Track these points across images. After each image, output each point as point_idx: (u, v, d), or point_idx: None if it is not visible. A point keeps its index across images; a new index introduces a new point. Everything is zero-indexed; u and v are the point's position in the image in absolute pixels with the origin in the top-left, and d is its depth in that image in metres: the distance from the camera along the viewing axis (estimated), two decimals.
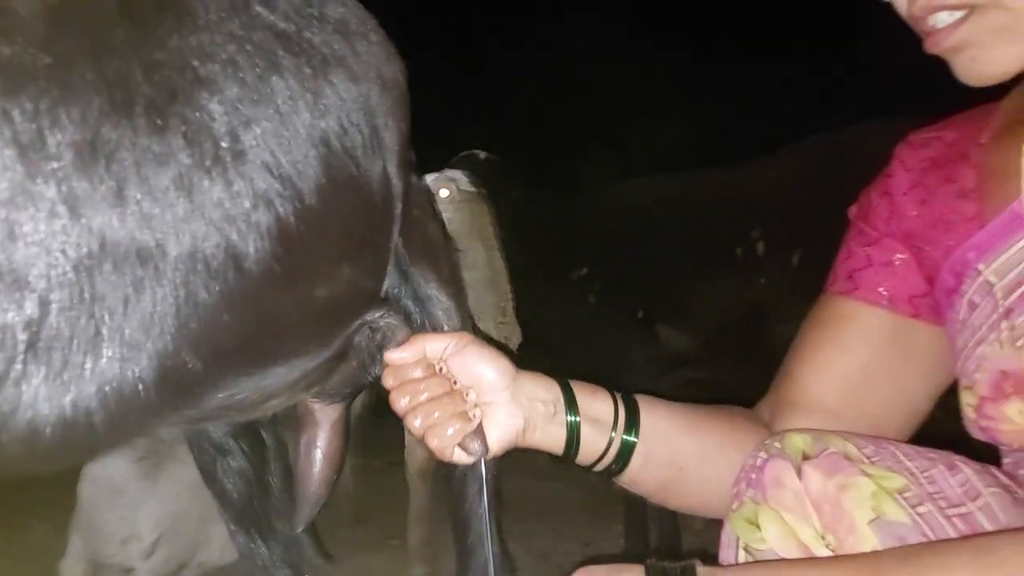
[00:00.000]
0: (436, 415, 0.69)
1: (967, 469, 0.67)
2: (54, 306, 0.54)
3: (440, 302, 0.89)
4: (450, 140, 2.32)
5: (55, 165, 0.54)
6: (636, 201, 2.12)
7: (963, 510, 0.63)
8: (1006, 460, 0.72)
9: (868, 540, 0.60)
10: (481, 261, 1.76)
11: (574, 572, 0.60)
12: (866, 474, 0.63)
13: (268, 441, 1.15)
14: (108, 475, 1.71)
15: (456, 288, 0.95)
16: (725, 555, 0.68)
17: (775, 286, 1.80)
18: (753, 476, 0.67)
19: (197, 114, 0.61)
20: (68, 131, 0.54)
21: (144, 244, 0.58)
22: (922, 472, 0.65)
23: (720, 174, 2.07)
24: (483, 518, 0.77)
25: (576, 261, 2.09)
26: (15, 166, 0.52)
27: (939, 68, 0.64)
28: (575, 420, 0.72)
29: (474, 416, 0.70)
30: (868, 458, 0.65)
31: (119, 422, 0.59)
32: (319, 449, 0.86)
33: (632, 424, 0.73)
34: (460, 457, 0.71)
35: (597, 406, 0.74)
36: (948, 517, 0.62)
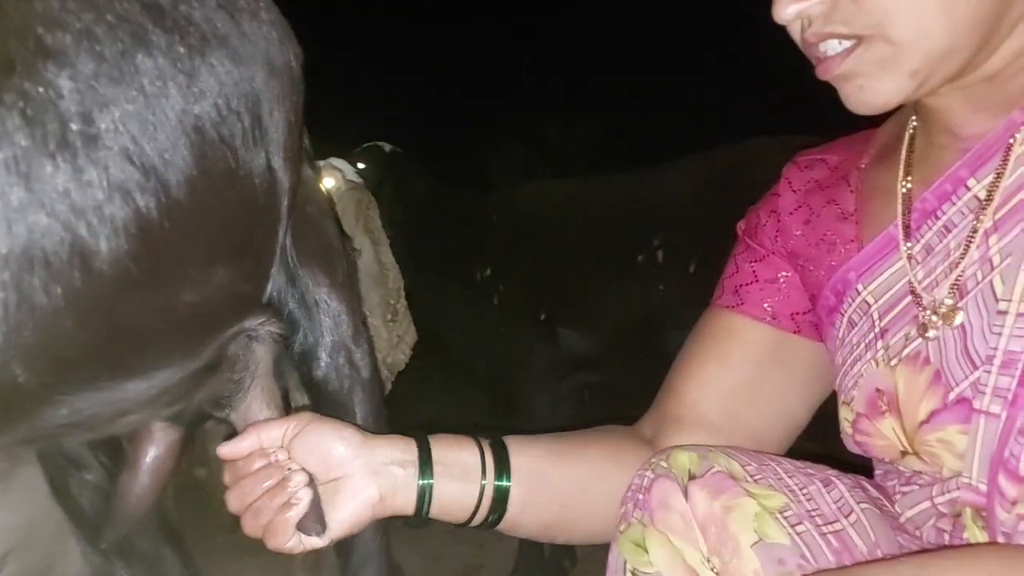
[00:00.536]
0: (269, 508, 0.65)
1: (841, 484, 0.69)
2: None
3: (329, 308, 0.83)
4: (354, 132, 2.23)
5: None
6: (543, 203, 2.12)
7: (837, 527, 0.65)
8: (877, 472, 0.76)
9: (751, 563, 0.61)
10: (368, 255, 1.69)
11: None
12: (749, 494, 0.64)
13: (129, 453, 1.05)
14: None
15: (349, 293, 0.89)
16: None
17: (673, 293, 1.84)
18: (640, 497, 0.66)
19: (40, 89, 0.53)
20: None
21: None
22: (800, 489, 0.67)
23: (626, 179, 2.10)
24: (368, 550, 0.72)
25: (480, 260, 2.06)
26: None
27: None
28: (427, 483, 0.69)
29: (299, 500, 0.65)
30: (751, 476, 0.66)
31: None
32: (146, 469, 0.78)
33: (502, 469, 0.71)
34: (308, 542, 0.67)
35: (463, 458, 0.70)
36: (824, 534, 0.64)
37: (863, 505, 0.68)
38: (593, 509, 0.74)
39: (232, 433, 0.72)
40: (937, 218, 0.66)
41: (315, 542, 0.67)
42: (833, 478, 0.70)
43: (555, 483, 0.73)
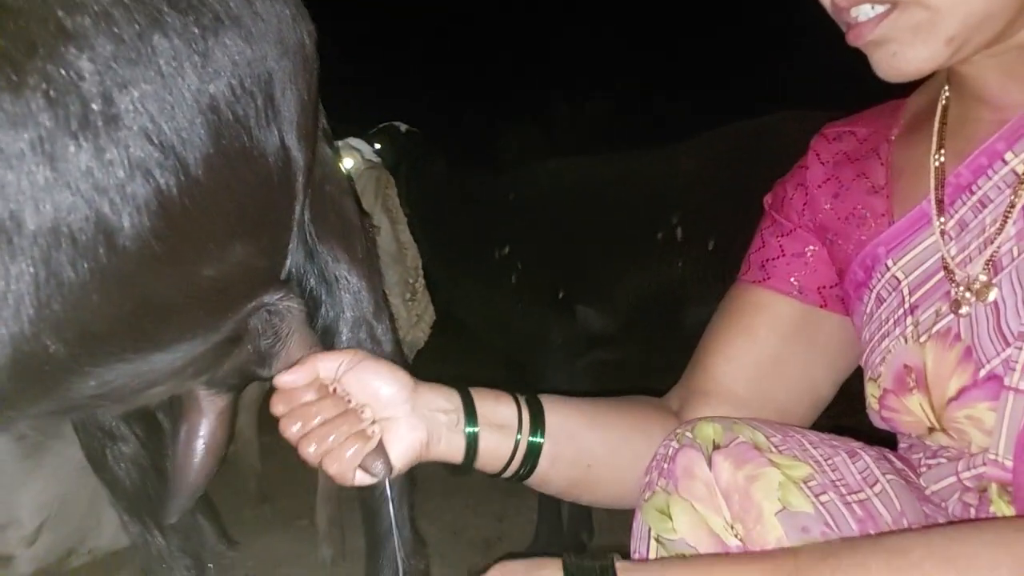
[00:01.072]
0: (332, 439, 0.65)
1: (866, 456, 0.69)
2: None
3: (349, 284, 0.85)
4: (369, 112, 2.24)
5: None
6: (560, 181, 2.11)
7: (862, 496, 0.65)
8: (902, 445, 0.76)
9: (774, 530, 0.62)
10: (387, 234, 1.71)
11: (493, 568, 0.58)
12: (774, 464, 0.64)
13: (165, 425, 1.08)
14: None
15: (369, 269, 0.91)
16: (636, 545, 0.68)
17: (692, 270, 1.83)
18: (665, 466, 0.67)
19: (62, 71, 0.55)
20: None
21: None
22: (825, 460, 0.67)
23: (644, 156, 2.08)
24: (391, 521, 0.73)
25: (498, 239, 2.07)
26: None
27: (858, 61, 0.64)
28: (473, 431, 0.70)
29: (372, 434, 0.66)
30: (776, 447, 0.66)
31: None
32: (201, 439, 0.80)
33: (537, 425, 0.72)
34: (362, 479, 0.67)
35: (501, 411, 0.72)
36: (848, 504, 0.64)
37: (888, 476, 0.68)
38: (617, 473, 0.75)
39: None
40: (972, 193, 0.65)
41: (371, 480, 0.67)
42: (858, 449, 0.69)
43: (585, 444, 0.74)
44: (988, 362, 0.62)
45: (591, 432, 0.74)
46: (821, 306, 0.77)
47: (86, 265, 0.56)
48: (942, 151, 0.68)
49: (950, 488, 0.68)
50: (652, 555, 0.66)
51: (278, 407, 0.67)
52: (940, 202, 0.67)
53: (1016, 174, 0.62)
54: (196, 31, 0.63)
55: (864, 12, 0.60)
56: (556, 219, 2.00)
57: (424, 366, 2.00)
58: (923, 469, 0.71)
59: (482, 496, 2.30)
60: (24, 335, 0.54)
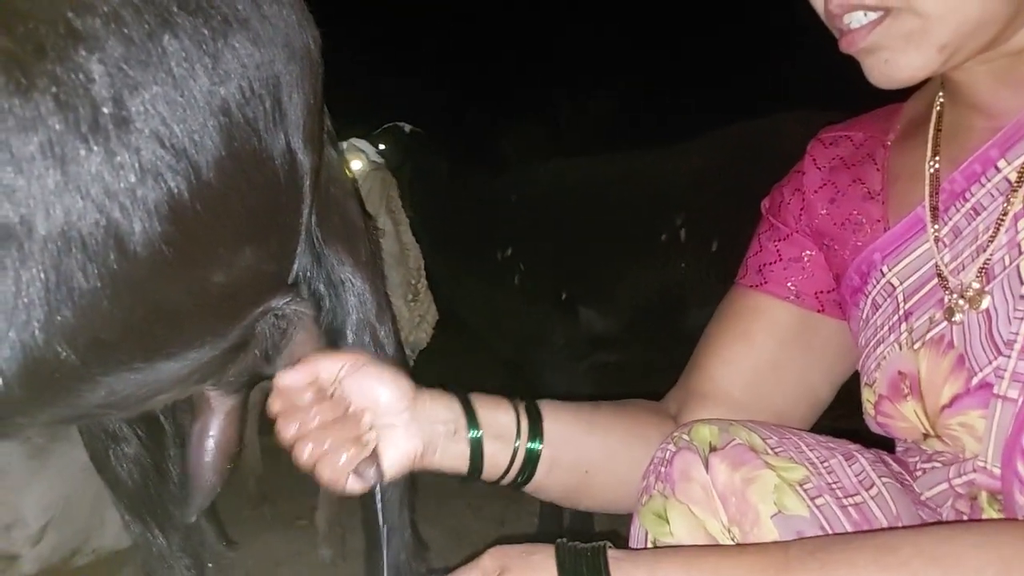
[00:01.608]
0: (327, 443, 0.64)
1: (863, 459, 0.69)
2: None
3: (354, 286, 0.85)
4: (375, 112, 2.23)
5: None
6: (562, 182, 2.11)
7: (857, 499, 0.65)
8: (899, 448, 0.76)
9: (770, 533, 0.62)
10: (389, 235, 1.71)
11: (487, 552, 0.58)
12: (770, 466, 0.64)
13: (166, 426, 1.08)
14: None
15: (372, 272, 0.90)
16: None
17: (695, 271, 1.83)
18: (662, 469, 0.67)
19: (72, 74, 0.54)
20: None
21: (4, 220, 0.51)
22: (822, 462, 0.67)
23: (647, 156, 2.08)
24: (383, 525, 0.73)
25: (500, 240, 2.06)
26: None
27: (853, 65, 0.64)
28: (478, 436, 0.69)
29: (368, 441, 0.65)
30: (772, 449, 0.66)
31: None
32: (212, 438, 0.80)
33: (536, 432, 0.71)
34: (355, 485, 0.66)
35: (500, 418, 0.71)
36: (844, 507, 0.64)
37: (885, 479, 0.68)
38: (615, 478, 0.75)
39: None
40: (966, 200, 0.65)
41: (362, 485, 0.66)
42: (855, 452, 0.69)
43: (583, 450, 0.73)
44: (980, 370, 0.62)
45: (589, 437, 0.74)
46: (818, 311, 0.77)
47: (97, 271, 0.56)
48: (937, 157, 0.68)
49: (943, 495, 0.68)
50: None
51: (275, 406, 0.66)
52: (935, 209, 0.67)
53: (1009, 182, 0.62)
54: (206, 32, 0.63)
55: (857, 19, 0.60)
56: (559, 220, 2.00)
57: (426, 366, 2.00)
58: (918, 473, 0.71)
59: (483, 499, 2.30)
60: (35, 342, 0.53)
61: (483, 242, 2.06)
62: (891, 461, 0.72)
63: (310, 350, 0.80)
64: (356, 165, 1.66)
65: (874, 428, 0.73)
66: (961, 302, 0.64)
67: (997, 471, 0.61)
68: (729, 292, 0.83)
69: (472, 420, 0.70)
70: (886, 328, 0.69)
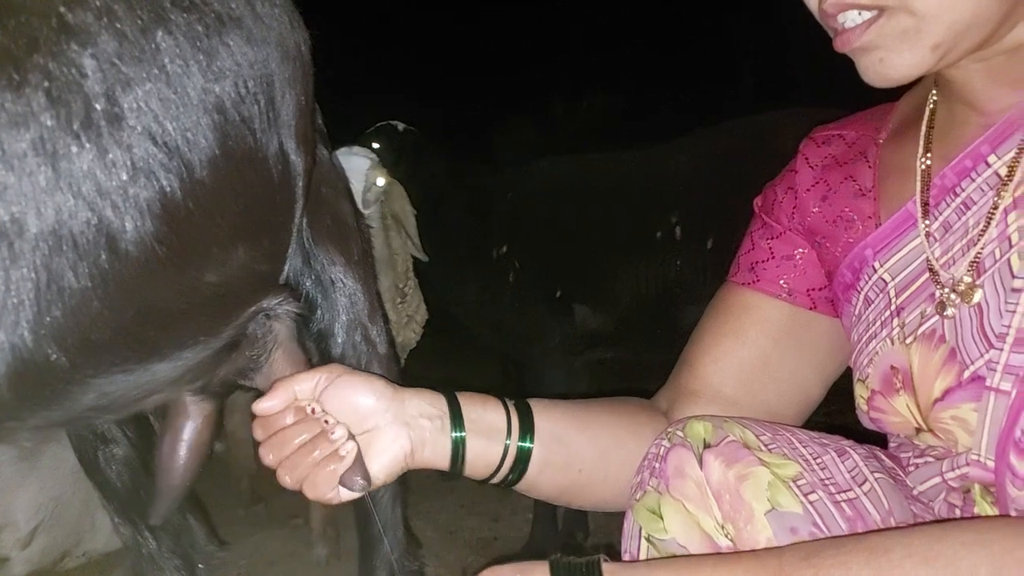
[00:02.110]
0: (305, 464, 0.65)
1: (855, 454, 0.69)
2: None
3: (345, 286, 0.84)
4: (369, 111, 2.22)
5: None
6: (557, 180, 2.10)
7: (850, 495, 0.65)
8: (892, 443, 0.76)
9: (764, 530, 0.62)
10: (378, 241, 1.70)
11: (481, 572, 0.58)
12: (763, 462, 0.64)
13: (156, 427, 1.07)
14: None
15: (364, 271, 0.90)
16: (627, 545, 0.68)
17: (690, 269, 1.83)
18: (656, 465, 0.67)
19: (64, 69, 0.53)
20: None
21: None
22: (815, 458, 0.67)
23: (642, 154, 2.08)
24: (379, 528, 0.73)
25: (495, 238, 2.06)
26: None
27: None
28: (460, 436, 0.69)
29: (346, 453, 0.65)
30: (765, 446, 0.66)
31: None
32: (185, 443, 0.79)
33: (527, 430, 0.71)
34: (345, 496, 0.67)
35: (488, 416, 0.71)
36: (837, 503, 0.64)
37: (877, 475, 0.68)
38: (608, 476, 0.74)
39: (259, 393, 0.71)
40: (956, 195, 0.65)
41: (354, 494, 0.66)
42: (848, 448, 0.70)
43: (575, 448, 0.73)
44: (972, 363, 0.62)
45: (581, 436, 0.74)
46: (810, 308, 0.78)
47: (88, 270, 0.55)
48: (929, 154, 0.69)
49: (936, 488, 0.69)
50: (643, 555, 0.66)
51: (257, 432, 0.67)
52: (925, 204, 0.67)
53: (999, 176, 0.63)
54: (200, 29, 0.62)
55: (851, 18, 0.60)
56: (554, 217, 1.99)
57: (420, 366, 1.99)
58: (911, 468, 0.72)
59: (477, 497, 2.29)
60: (24, 343, 0.52)
61: (478, 240, 2.05)
62: (884, 456, 0.72)
63: (289, 367, 0.80)
64: (382, 181, 1.66)
65: (867, 423, 0.73)
66: (953, 296, 0.64)
67: (990, 464, 0.62)
68: (720, 290, 0.83)
69: (456, 418, 0.69)
70: (878, 323, 0.70)
